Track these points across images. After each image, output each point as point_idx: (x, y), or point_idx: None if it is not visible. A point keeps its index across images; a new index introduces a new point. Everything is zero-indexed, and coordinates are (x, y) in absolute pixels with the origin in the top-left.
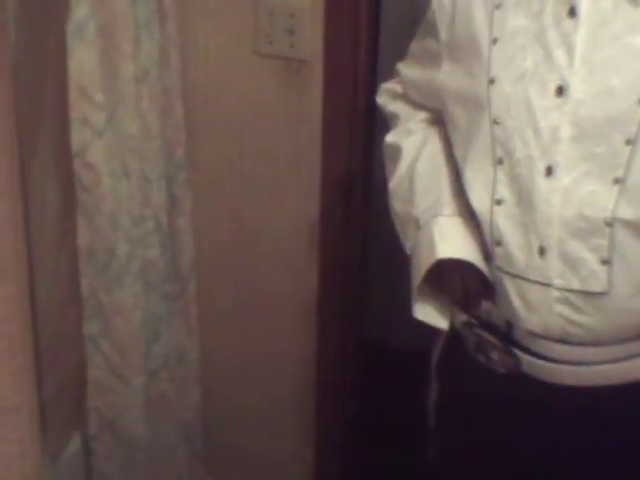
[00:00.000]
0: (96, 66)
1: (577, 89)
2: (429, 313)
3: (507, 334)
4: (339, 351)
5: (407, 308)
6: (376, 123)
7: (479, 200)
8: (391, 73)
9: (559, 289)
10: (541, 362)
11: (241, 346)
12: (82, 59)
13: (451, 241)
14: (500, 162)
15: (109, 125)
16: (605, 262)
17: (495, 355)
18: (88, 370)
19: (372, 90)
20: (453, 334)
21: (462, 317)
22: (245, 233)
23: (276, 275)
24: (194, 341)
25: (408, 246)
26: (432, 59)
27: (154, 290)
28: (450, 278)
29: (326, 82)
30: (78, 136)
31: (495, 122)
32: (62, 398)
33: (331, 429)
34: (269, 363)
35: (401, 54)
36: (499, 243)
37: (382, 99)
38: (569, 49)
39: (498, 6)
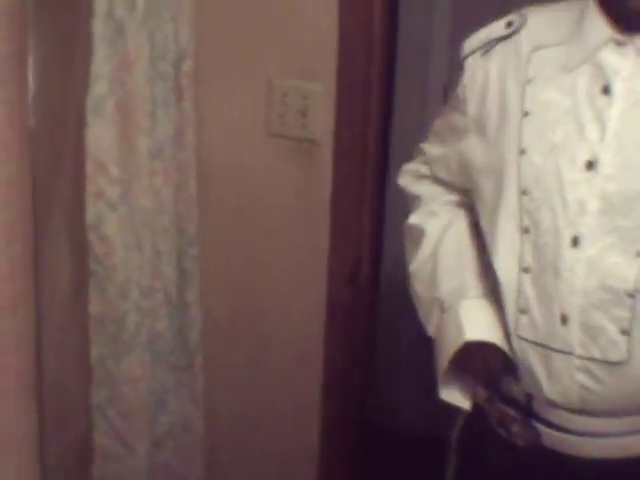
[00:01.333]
0: (113, 141)
1: (607, 164)
2: (454, 394)
3: (527, 407)
4: (345, 432)
5: (415, 391)
6: (385, 205)
7: (505, 268)
8: (405, 154)
9: (580, 357)
10: (560, 434)
11: (246, 419)
12: (100, 133)
13: (478, 323)
14: (527, 231)
15: (124, 199)
16: (625, 332)
17: (516, 428)
18: (94, 437)
19: (382, 172)
20: (473, 410)
21: (483, 393)
22: (252, 311)
23: (283, 353)
24: (199, 412)
25: (431, 329)
26: (458, 134)
27: (161, 361)
28: (474, 359)
29: (336, 162)
30: (93, 209)
31: (524, 192)
32: (66, 465)
33: None
34: (274, 437)
35: (411, 134)
36: (524, 311)
37: (404, 180)
38: (601, 125)
39: (529, 81)
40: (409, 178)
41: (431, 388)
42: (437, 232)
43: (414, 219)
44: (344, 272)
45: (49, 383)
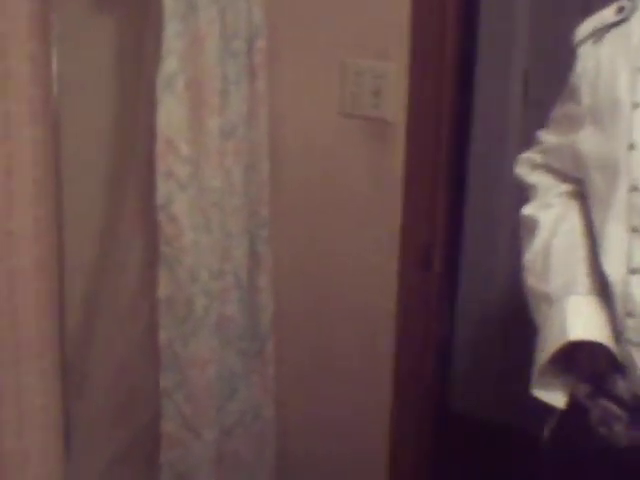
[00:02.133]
0: (184, 119)
1: None
2: (549, 392)
3: (633, 406)
4: (416, 417)
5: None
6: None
7: (613, 268)
8: (485, 137)
9: None
10: None
11: (317, 407)
12: (170, 112)
13: (584, 322)
14: (636, 230)
15: (193, 178)
16: None
17: (619, 427)
18: (162, 423)
19: (455, 152)
20: (570, 406)
21: (586, 388)
22: (324, 297)
23: (353, 340)
24: (270, 400)
25: (538, 322)
26: (573, 124)
27: (231, 346)
28: (579, 358)
29: (409, 143)
30: (164, 188)
31: (633, 189)
32: (135, 451)
33: None
34: (343, 426)
35: (491, 117)
36: (632, 314)
37: (521, 169)
38: None
39: None
40: (525, 167)
41: (513, 377)
42: (551, 225)
43: (529, 210)
44: (417, 256)
45: (117, 366)
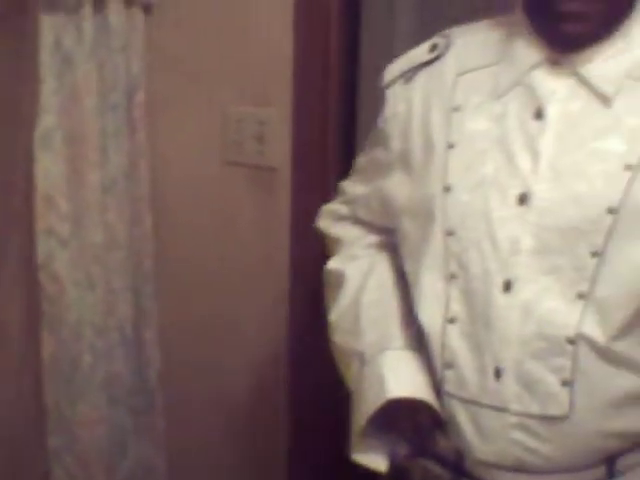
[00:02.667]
0: (62, 174)
1: (541, 197)
2: (369, 455)
3: (456, 465)
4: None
5: None
6: None
7: (429, 319)
8: None
9: (516, 414)
10: None
11: (209, 458)
12: (48, 167)
13: (402, 378)
14: (454, 276)
15: (74, 235)
16: (566, 383)
17: None
18: None
19: None
20: (397, 468)
21: (406, 448)
22: (213, 349)
23: (245, 392)
24: (161, 455)
25: (349, 383)
26: (381, 171)
27: (119, 403)
28: (399, 415)
29: (294, 189)
30: (44, 247)
31: (448, 233)
32: None
33: None
34: (237, 472)
35: None
36: (451, 366)
37: (324, 222)
38: (534, 154)
39: (457, 108)
40: (328, 219)
41: None
42: (358, 278)
43: (334, 264)
44: (306, 309)
45: (2, 434)
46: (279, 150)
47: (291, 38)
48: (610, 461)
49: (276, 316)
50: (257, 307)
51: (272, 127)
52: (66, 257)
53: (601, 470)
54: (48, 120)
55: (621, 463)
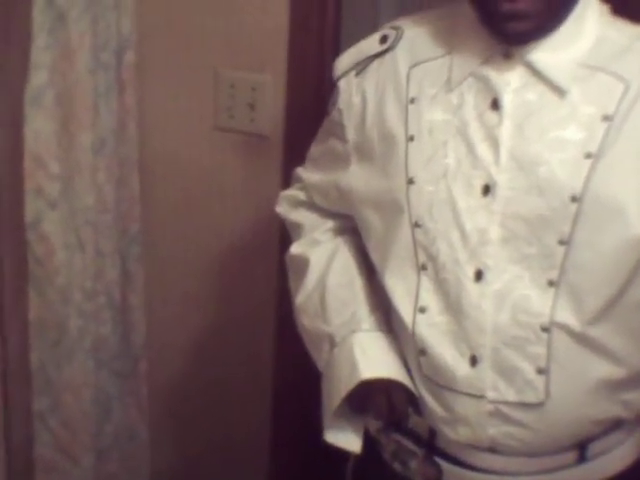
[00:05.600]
0: (53, 135)
1: (504, 187)
2: (342, 435)
3: (430, 442)
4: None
5: None
6: None
7: (402, 308)
8: None
9: (492, 402)
10: (466, 472)
11: (192, 426)
12: (39, 127)
13: (374, 359)
14: (424, 267)
15: (64, 196)
16: (542, 371)
17: (414, 464)
18: (35, 448)
19: None
20: (370, 440)
21: (376, 423)
22: (199, 315)
23: (231, 352)
24: (145, 420)
25: (320, 365)
26: (336, 161)
27: (105, 367)
28: (374, 395)
29: (286, 158)
30: (32, 206)
31: (416, 225)
32: (7, 477)
33: None
34: (222, 447)
35: None
36: (423, 353)
37: (283, 208)
38: (494, 144)
39: (412, 100)
40: (287, 205)
41: None
42: (322, 262)
43: (296, 248)
44: None
45: None
46: (271, 118)
47: (288, 4)
48: (582, 446)
49: (266, 284)
50: (245, 275)
51: (265, 94)
52: (56, 218)
53: (574, 454)
54: (40, 78)
55: (593, 448)
